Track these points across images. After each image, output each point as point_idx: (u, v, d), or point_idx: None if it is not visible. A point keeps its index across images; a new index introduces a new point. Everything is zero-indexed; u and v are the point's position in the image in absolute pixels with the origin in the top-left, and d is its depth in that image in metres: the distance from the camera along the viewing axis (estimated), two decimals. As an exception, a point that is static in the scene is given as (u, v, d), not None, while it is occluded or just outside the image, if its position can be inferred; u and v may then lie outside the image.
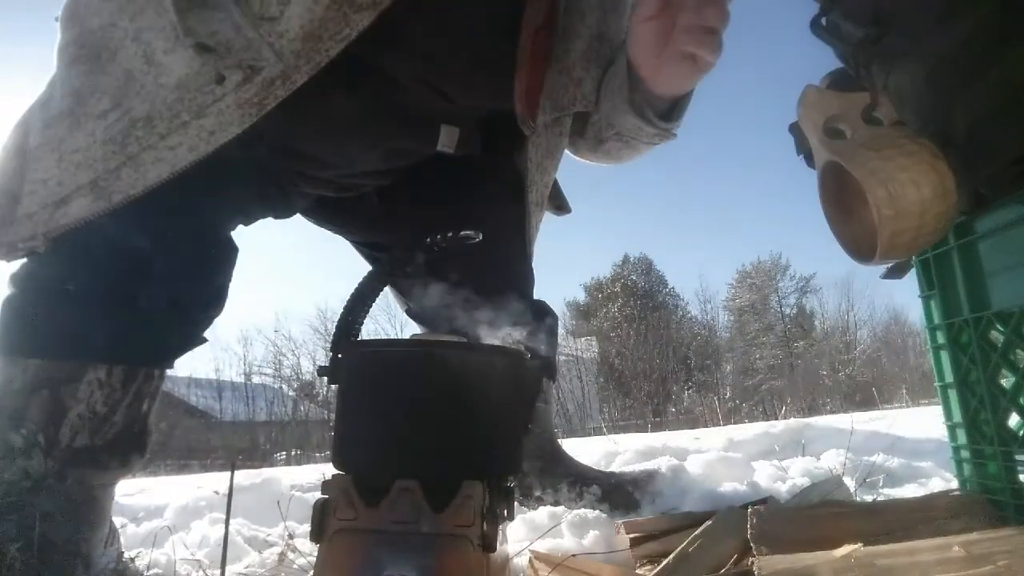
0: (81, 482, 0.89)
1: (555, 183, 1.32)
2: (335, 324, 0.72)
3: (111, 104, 0.89)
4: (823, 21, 0.82)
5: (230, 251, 1.05)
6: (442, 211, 1.20)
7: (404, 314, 1.35)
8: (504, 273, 1.19)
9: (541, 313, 1.25)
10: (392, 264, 0.76)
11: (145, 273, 0.92)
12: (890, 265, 0.92)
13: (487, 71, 1.06)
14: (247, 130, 0.90)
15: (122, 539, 1.05)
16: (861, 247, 0.82)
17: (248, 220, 1.14)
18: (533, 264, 1.30)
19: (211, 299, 1.02)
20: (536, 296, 1.31)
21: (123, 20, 0.89)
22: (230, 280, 1.06)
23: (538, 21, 1.04)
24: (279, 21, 0.86)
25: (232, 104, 0.86)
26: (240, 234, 1.18)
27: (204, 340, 1.04)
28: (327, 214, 1.29)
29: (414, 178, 1.20)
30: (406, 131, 1.08)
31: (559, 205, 1.38)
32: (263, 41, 0.85)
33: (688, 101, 1.11)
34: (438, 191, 1.20)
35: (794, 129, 0.94)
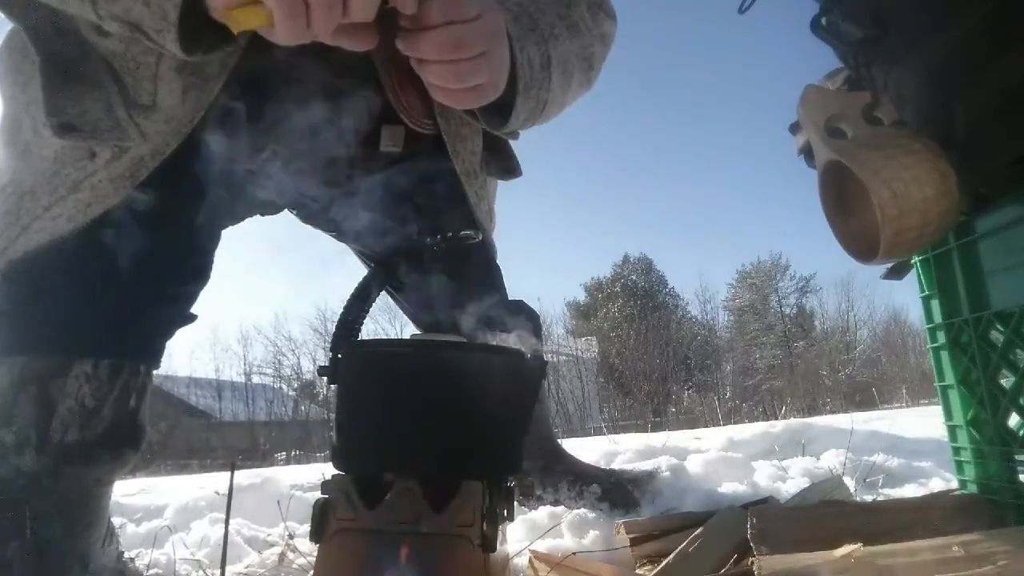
0: (75, 479, 0.89)
1: (505, 145, 1.24)
2: (335, 324, 0.72)
3: (9, 177, 0.92)
4: (823, 21, 0.82)
5: (210, 238, 1.05)
6: (394, 215, 1.19)
7: (404, 314, 1.35)
8: (470, 269, 1.17)
9: (524, 313, 1.24)
10: (382, 270, 0.76)
11: (124, 265, 0.92)
12: (890, 265, 0.92)
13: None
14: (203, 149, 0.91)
15: (122, 539, 1.05)
16: (862, 247, 0.82)
17: (234, 220, 1.14)
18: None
19: (191, 274, 1.02)
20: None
21: (18, 91, 0.90)
22: (212, 258, 1.06)
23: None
24: (152, 109, 0.87)
25: (104, 179, 0.88)
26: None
27: (192, 318, 1.04)
28: (305, 215, 1.28)
29: (378, 182, 1.19)
30: (340, 138, 1.03)
31: (508, 168, 1.26)
32: (131, 123, 0.86)
33: (517, 107, 0.90)
34: (393, 194, 1.19)
35: (794, 129, 0.94)
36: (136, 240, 0.93)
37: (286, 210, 1.25)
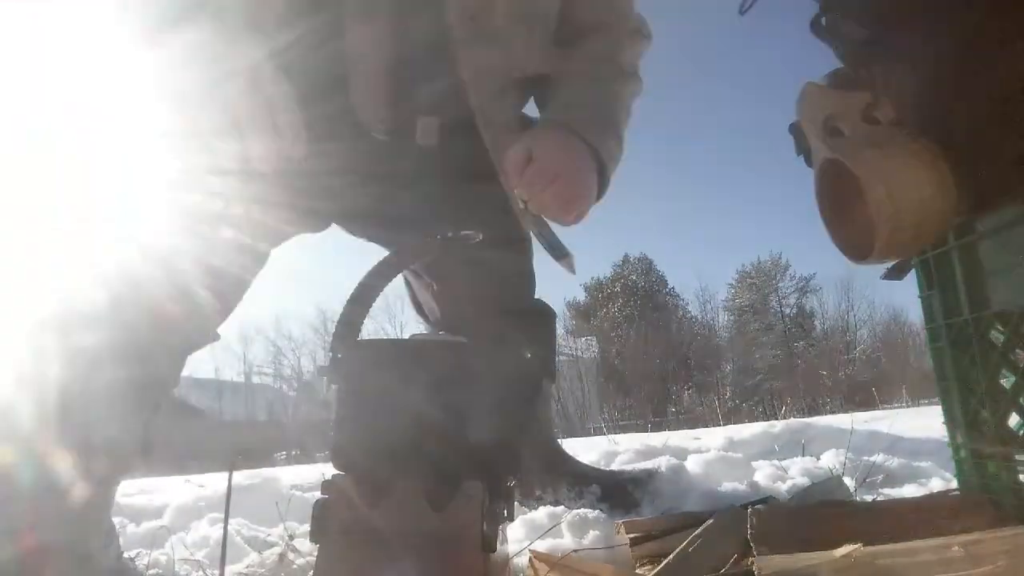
0: (79, 480, 0.89)
1: None
2: (335, 324, 0.72)
3: None
4: (823, 21, 0.82)
5: (259, 261, 1.07)
6: (435, 215, 1.18)
7: (406, 313, 1.34)
8: (504, 271, 1.17)
9: (541, 314, 1.24)
10: (382, 270, 0.76)
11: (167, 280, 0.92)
12: (890, 266, 0.92)
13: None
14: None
15: (122, 539, 1.05)
16: (857, 246, 0.81)
17: (281, 239, 1.13)
18: (534, 261, 1.27)
19: (228, 297, 1.03)
20: (536, 296, 1.29)
21: None
22: (250, 280, 1.07)
23: None
24: None
25: None
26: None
27: (216, 337, 1.05)
28: (351, 226, 1.27)
29: (418, 180, 1.18)
30: (363, 132, 1.04)
31: None
32: None
33: (606, 186, 1.09)
34: (438, 192, 1.19)
35: (794, 129, 0.94)
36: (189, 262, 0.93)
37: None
